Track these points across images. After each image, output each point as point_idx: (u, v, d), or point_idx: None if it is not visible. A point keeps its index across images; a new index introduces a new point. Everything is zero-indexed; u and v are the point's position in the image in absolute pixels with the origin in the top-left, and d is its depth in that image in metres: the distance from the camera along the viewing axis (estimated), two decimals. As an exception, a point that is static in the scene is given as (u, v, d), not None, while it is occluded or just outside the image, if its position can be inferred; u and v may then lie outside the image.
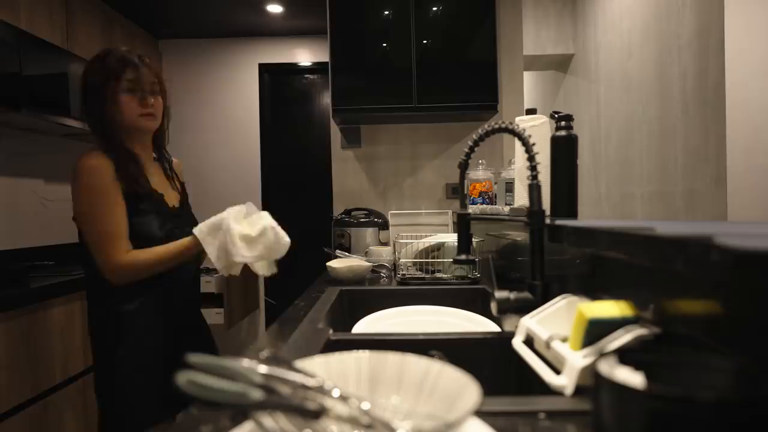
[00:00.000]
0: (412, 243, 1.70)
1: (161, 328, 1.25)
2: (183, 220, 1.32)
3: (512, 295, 0.90)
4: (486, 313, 1.19)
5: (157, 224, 1.23)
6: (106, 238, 1.15)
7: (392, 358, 0.50)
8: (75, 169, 1.16)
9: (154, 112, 1.26)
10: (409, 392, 0.48)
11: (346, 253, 1.89)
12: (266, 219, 1.19)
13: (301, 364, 0.49)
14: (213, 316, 2.81)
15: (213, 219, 1.18)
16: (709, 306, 0.48)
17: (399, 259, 1.70)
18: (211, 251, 1.16)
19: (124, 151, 1.22)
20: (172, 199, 1.34)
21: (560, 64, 3.46)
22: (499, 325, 1.11)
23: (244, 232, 1.15)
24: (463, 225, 0.98)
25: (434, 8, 2.21)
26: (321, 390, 0.40)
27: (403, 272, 1.60)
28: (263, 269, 1.21)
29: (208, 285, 2.78)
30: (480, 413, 0.53)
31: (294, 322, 1.08)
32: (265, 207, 3.79)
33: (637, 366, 0.41)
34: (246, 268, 1.20)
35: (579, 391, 0.58)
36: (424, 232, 1.86)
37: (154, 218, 1.23)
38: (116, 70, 1.21)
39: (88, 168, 1.16)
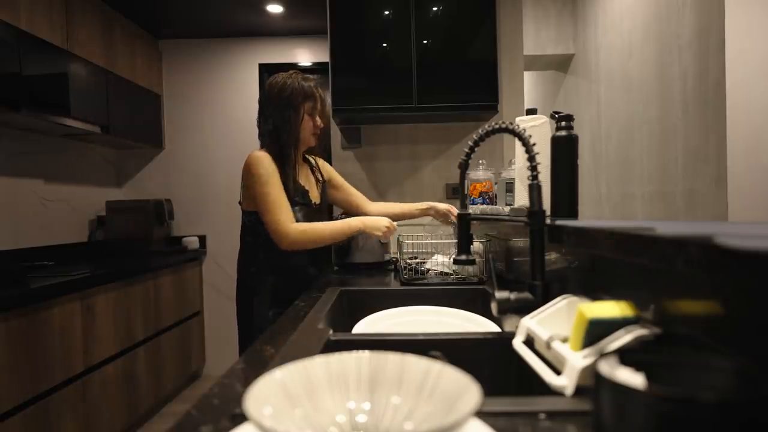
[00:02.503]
0: (412, 243, 1.70)
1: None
2: (322, 212, 1.70)
3: (512, 296, 0.90)
4: (486, 313, 1.19)
5: (302, 215, 1.58)
6: (281, 208, 1.47)
7: (392, 358, 0.50)
8: (250, 161, 1.50)
9: (320, 134, 1.65)
10: (410, 393, 0.48)
11: None
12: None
13: (302, 363, 0.49)
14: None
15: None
16: (710, 306, 0.48)
17: (399, 259, 1.70)
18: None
19: (288, 158, 1.55)
20: (315, 195, 1.68)
21: (560, 64, 3.46)
22: (500, 325, 1.11)
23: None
24: (463, 225, 0.98)
25: (434, 8, 2.21)
26: None
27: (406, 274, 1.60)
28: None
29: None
30: (480, 413, 0.53)
31: (294, 322, 1.08)
32: (265, 207, 3.80)
33: (637, 366, 0.41)
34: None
35: (579, 391, 0.58)
36: (424, 232, 1.86)
37: (299, 210, 1.58)
38: (311, 95, 1.57)
39: (264, 158, 1.50)
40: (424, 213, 1.81)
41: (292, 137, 1.56)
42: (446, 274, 1.59)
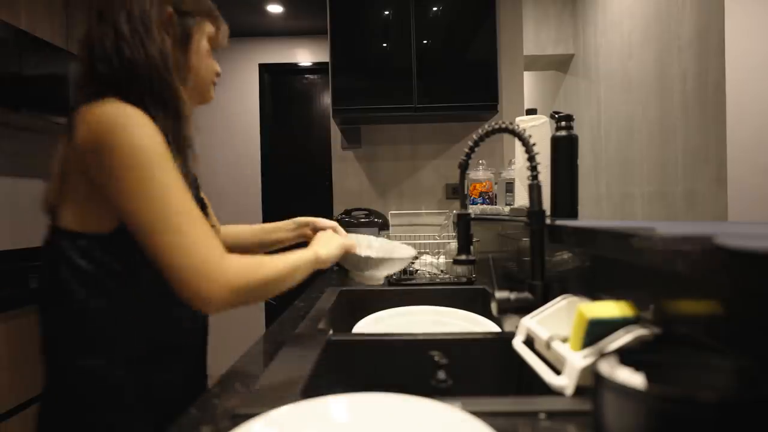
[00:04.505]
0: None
1: None
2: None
3: (512, 296, 0.90)
4: (486, 313, 1.19)
5: None
6: (198, 224, 0.73)
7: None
8: (107, 117, 0.69)
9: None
10: None
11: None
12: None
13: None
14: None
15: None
16: (709, 306, 0.48)
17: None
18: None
19: (180, 120, 0.81)
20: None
21: (560, 64, 3.46)
22: (500, 325, 1.11)
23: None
24: (463, 225, 0.98)
25: (434, 8, 2.21)
26: None
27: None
28: (373, 278, 1.10)
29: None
30: (480, 413, 0.53)
31: (294, 322, 1.08)
32: (265, 207, 3.80)
33: (637, 366, 0.41)
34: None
35: (579, 391, 0.58)
36: (424, 233, 1.86)
37: None
38: (211, 11, 0.88)
39: (139, 117, 0.71)
40: (298, 234, 1.13)
41: (191, 76, 0.86)
42: (434, 274, 1.60)
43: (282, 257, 0.79)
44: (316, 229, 1.10)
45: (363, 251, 1.06)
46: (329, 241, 0.94)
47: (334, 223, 1.11)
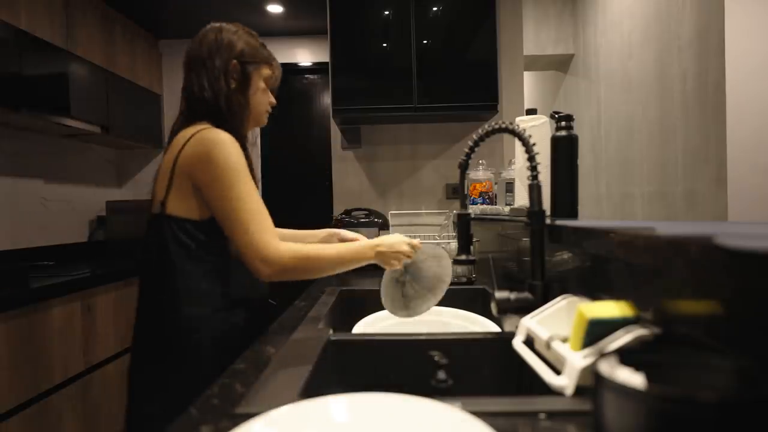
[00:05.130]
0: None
1: None
2: None
3: (512, 296, 0.90)
4: (486, 313, 1.19)
5: None
6: (264, 218, 1.04)
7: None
8: (210, 142, 1.01)
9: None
10: None
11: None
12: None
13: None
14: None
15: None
16: (709, 306, 0.48)
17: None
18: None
19: (244, 143, 1.11)
20: None
21: (560, 64, 3.46)
22: (500, 325, 1.11)
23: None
24: (463, 225, 0.98)
25: (434, 8, 2.21)
26: None
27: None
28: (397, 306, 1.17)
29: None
30: (480, 413, 0.53)
31: (294, 322, 1.08)
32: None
33: (637, 366, 0.41)
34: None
35: (579, 391, 0.58)
36: (424, 233, 1.86)
37: None
38: (269, 60, 1.18)
39: (231, 143, 1.03)
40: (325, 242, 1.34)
41: (248, 111, 1.14)
42: None
43: (332, 250, 1.04)
44: (342, 240, 1.30)
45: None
46: (393, 239, 1.12)
47: (358, 235, 1.29)
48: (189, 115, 1.10)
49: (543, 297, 0.87)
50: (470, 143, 0.93)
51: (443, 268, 1.18)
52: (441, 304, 1.30)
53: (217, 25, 1.16)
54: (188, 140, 1.01)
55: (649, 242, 0.53)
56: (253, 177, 1.05)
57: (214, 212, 1.01)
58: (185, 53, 1.14)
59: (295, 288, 1.48)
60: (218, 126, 1.05)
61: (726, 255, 0.40)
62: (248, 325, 1.13)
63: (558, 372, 0.62)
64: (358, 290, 1.48)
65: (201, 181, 0.99)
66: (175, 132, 1.09)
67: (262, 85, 1.16)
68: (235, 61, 1.11)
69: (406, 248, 1.10)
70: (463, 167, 0.95)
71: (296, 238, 1.32)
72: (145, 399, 1.01)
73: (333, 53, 2.23)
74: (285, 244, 0.98)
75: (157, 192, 1.05)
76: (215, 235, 1.03)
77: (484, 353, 0.93)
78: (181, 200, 1.01)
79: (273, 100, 1.20)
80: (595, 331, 0.59)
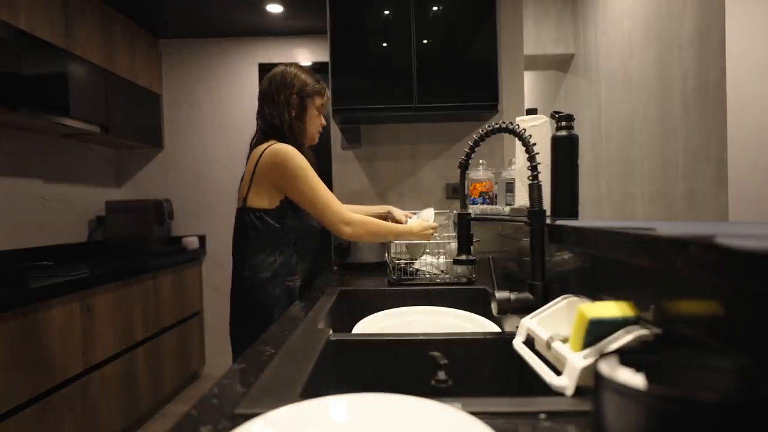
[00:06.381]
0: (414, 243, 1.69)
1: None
2: None
3: (513, 296, 0.90)
4: (486, 313, 1.19)
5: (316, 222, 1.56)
6: (334, 199, 1.49)
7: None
8: (283, 154, 1.41)
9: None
10: None
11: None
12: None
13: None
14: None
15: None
16: (710, 306, 0.48)
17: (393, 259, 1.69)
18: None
19: (304, 155, 1.47)
20: None
21: (561, 63, 3.45)
22: (500, 325, 1.11)
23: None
24: (463, 225, 0.98)
25: (434, 8, 2.21)
26: None
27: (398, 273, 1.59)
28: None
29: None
30: (481, 414, 0.53)
31: (294, 322, 1.08)
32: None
33: (638, 366, 0.41)
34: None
35: (580, 391, 0.58)
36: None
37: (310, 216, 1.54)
38: (321, 91, 1.57)
39: (295, 151, 1.43)
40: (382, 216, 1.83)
41: (305, 133, 1.54)
42: (434, 274, 1.59)
43: (389, 225, 1.56)
44: (392, 217, 1.81)
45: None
46: (422, 225, 1.59)
47: (402, 214, 1.81)
48: (263, 134, 1.51)
49: (543, 297, 0.87)
50: (470, 143, 0.92)
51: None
52: (442, 304, 1.30)
53: (283, 66, 1.55)
54: (262, 153, 1.43)
55: (649, 242, 0.52)
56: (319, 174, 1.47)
57: (300, 203, 1.45)
58: (261, 88, 1.54)
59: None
60: (284, 141, 1.46)
61: (726, 255, 0.40)
62: (302, 289, 1.57)
63: (558, 372, 0.62)
64: (358, 290, 1.48)
65: (281, 182, 1.42)
66: (252, 146, 1.51)
67: (315, 112, 1.56)
68: (295, 96, 1.50)
69: (431, 228, 1.59)
70: (464, 167, 0.95)
71: (359, 211, 1.76)
72: (242, 325, 1.47)
73: (333, 53, 2.23)
74: (352, 215, 1.46)
75: (241, 192, 1.49)
76: (281, 220, 1.46)
77: (484, 353, 0.93)
78: (259, 196, 1.44)
79: (323, 121, 1.61)
80: (596, 332, 0.59)
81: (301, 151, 1.46)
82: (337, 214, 1.43)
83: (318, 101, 1.55)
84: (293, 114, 1.50)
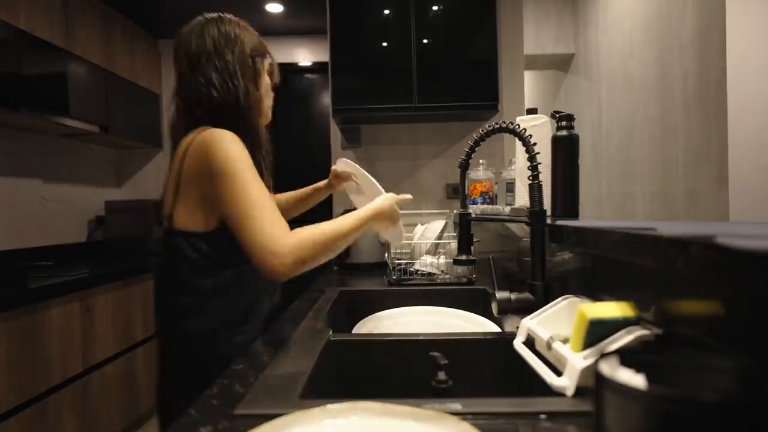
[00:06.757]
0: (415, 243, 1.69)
1: None
2: None
3: (513, 296, 0.89)
4: (487, 313, 1.19)
5: None
6: (272, 213, 0.94)
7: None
8: (209, 140, 0.93)
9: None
10: None
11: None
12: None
13: None
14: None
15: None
16: (711, 306, 0.47)
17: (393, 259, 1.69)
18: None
19: (259, 139, 1.04)
20: None
21: (561, 63, 3.45)
22: (500, 325, 1.11)
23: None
24: (463, 225, 0.98)
25: (434, 8, 2.21)
26: None
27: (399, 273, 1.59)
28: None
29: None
30: (481, 414, 0.53)
31: (294, 322, 1.08)
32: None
33: (638, 367, 0.40)
34: None
35: (580, 392, 0.58)
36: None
37: None
38: (266, 50, 1.11)
39: (232, 137, 0.94)
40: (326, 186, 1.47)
41: (262, 107, 1.09)
42: (434, 274, 1.59)
43: (338, 223, 0.96)
44: (337, 176, 1.39)
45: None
46: (384, 199, 1.11)
47: (347, 166, 1.37)
48: (191, 117, 1.00)
49: (544, 297, 0.87)
50: (470, 143, 0.92)
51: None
52: (442, 304, 1.30)
53: (213, 15, 1.06)
54: (189, 145, 0.94)
55: (650, 242, 0.52)
56: (262, 176, 0.96)
57: (220, 210, 0.92)
58: (180, 49, 1.05)
59: (293, 291, 1.47)
60: (225, 125, 0.95)
61: (727, 255, 0.40)
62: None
63: (559, 373, 0.62)
64: (358, 290, 1.48)
65: (206, 181, 0.91)
66: (177, 139, 1.01)
67: (267, 79, 1.11)
68: (247, 55, 1.04)
69: (395, 207, 1.13)
70: (464, 167, 0.95)
71: (289, 198, 1.42)
72: (169, 394, 0.99)
73: (333, 53, 2.23)
74: (292, 236, 0.87)
75: (165, 206, 0.99)
76: (223, 246, 0.94)
77: (484, 354, 0.92)
78: (189, 212, 0.95)
79: (272, 93, 1.15)
80: (596, 332, 0.59)
81: (257, 137, 1.02)
82: (270, 237, 0.85)
83: (267, 63, 1.12)
84: (249, 83, 1.03)
